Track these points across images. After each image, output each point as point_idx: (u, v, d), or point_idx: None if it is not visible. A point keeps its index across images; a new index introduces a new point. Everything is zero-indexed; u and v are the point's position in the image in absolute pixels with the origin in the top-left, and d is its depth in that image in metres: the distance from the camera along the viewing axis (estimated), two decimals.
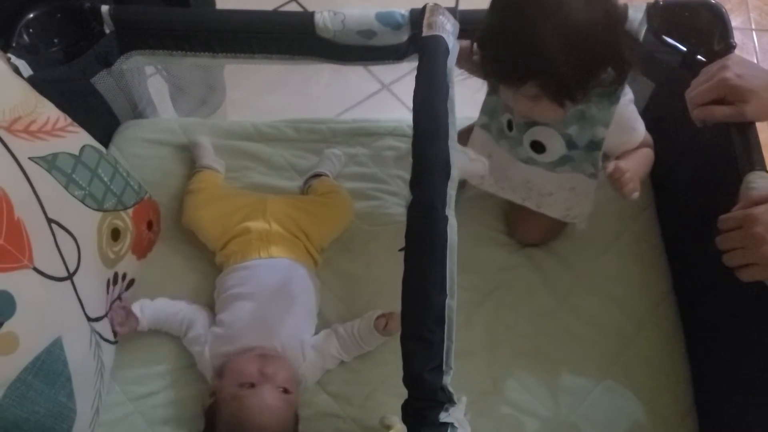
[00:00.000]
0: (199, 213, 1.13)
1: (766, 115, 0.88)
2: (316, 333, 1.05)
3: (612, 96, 0.92)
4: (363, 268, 1.14)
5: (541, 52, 0.80)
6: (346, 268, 1.14)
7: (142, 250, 1.11)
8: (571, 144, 0.97)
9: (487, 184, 1.09)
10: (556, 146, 0.98)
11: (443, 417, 0.65)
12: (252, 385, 0.92)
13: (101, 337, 0.99)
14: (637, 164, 0.97)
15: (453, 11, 0.94)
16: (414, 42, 1.05)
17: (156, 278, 1.12)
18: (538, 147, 1.00)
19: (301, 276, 1.06)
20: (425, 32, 0.85)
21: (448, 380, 0.67)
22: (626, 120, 0.96)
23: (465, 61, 0.96)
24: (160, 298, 1.07)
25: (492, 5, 0.86)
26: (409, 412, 0.66)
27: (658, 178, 1.18)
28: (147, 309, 1.05)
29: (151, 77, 1.37)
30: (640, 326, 1.07)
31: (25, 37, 1.05)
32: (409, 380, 0.66)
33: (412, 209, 0.71)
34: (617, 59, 0.86)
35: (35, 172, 0.89)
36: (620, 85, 0.91)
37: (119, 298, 1.06)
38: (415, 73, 0.82)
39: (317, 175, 1.20)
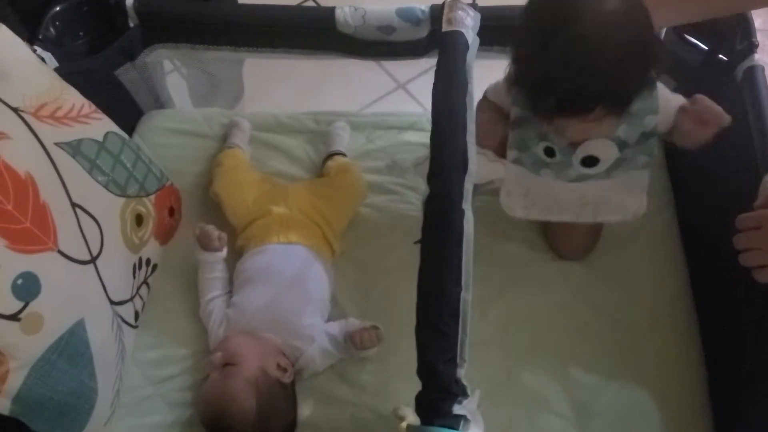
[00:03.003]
0: (229, 188, 1.15)
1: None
2: (330, 320, 1.07)
3: (650, 84, 0.89)
4: (379, 259, 1.15)
5: (607, 75, 0.78)
6: (363, 258, 1.16)
7: (164, 236, 1.13)
8: (622, 145, 0.94)
9: (533, 212, 1.05)
10: (609, 154, 0.95)
11: (457, 409, 0.65)
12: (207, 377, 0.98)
13: (123, 320, 1.01)
14: None
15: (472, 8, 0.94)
16: (434, 38, 1.05)
17: (177, 264, 1.14)
18: (590, 161, 0.96)
19: (315, 263, 1.08)
20: (445, 28, 0.85)
21: (462, 373, 0.67)
22: (664, 97, 0.93)
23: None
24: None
25: (521, 47, 0.83)
26: (422, 404, 0.67)
27: (677, 178, 1.18)
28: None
29: (170, 74, 1.38)
30: (655, 323, 1.06)
31: (52, 29, 1.08)
32: (423, 372, 0.67)
33: (429, 202, 0.71)
34: (655, 47, 0.85)
35: (60, 157, 0.91)
36: (656, 69, 0.88)
37: (146, 282, 1.09)
38: (431, 71, 0.82)
39: (332, 155, 1.22)
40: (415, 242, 0.72)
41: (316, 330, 1.03)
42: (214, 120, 1.29)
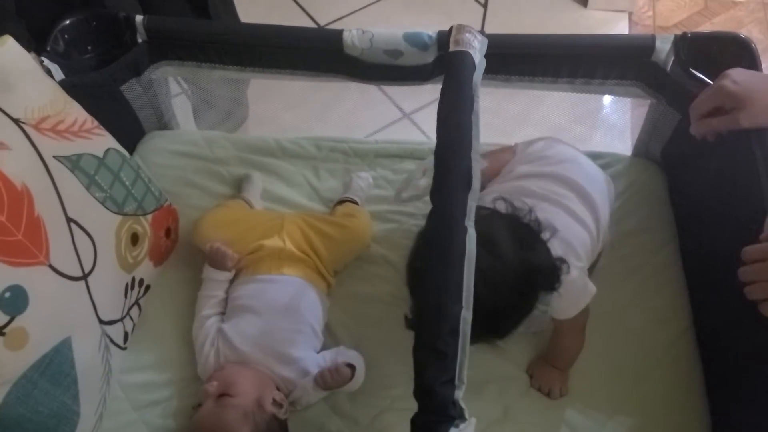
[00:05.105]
0: (215, 233, 1.10)
1: (761, 120, 0.87)
2: (322, 349, 1.04)
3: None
4: (375, 289, 1.13)
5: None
6: (358, 287, 1.13)
7: (158, 256, 1.11)
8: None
9: None
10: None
11: None
12: (199, 406, 0.95)
13: (111, 341, 0.98)
14: None
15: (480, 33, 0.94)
16: (440, 64, 1.06)
17: (170, 287, 1.12)
18: None
19: (309, 294, 1.06)
20: (452, 48, 0.86)
21: (460, 395, 0.65)
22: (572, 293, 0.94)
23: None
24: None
25: None
26: (418, 426, 0.64)
27: (681, 210, 1.16)
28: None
29: (176, 97, 1.39)
30: (656, 362, 1.03)
31: (60, 42, 1.08)
32: (420, 393, 0.64)
33: (432, 218, 0.70)
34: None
35: (59, 170, 0.90)
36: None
37: (137, 303, 1.07)
38: (436, 103, 0.81)
39: (343, 201, 1.20)
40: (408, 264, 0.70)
41: (309, 363, 1.00)
42: (215, 143, 1.29)
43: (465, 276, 0.66)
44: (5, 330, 0.76)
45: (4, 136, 0.84)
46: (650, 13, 2.21)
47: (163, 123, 1.33)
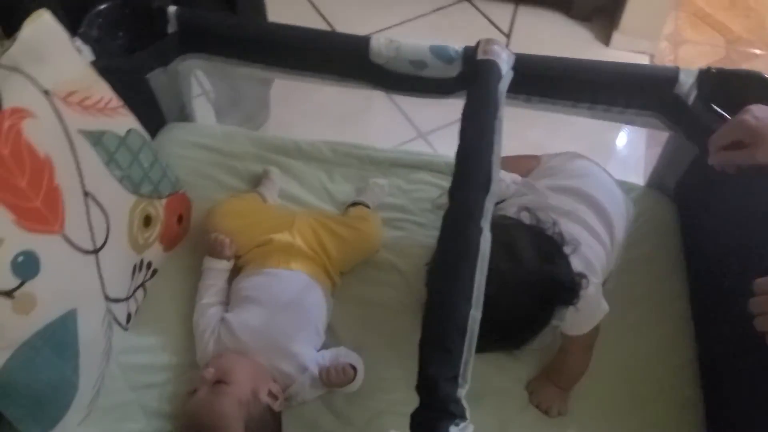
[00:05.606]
0: (226, 221, 1.12)
1: None
2: (322, 349, 1.04)
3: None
4: (380, 293, 1.13)
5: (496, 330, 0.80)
6: (364, 291, 1.14)
7: (169, 242, 1.11)
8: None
9: None
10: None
11: (453, 431, 0.62)
12: (195, 391, 0.94)
13: (115, 319, 0.98)
14: None
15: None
16: (463, 79, 1.07)
17: (177, 274, 1.12)
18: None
19: (314, 292, 1.06)
20: (480, 57, 0.87)
21: (462, 394, 0.65)
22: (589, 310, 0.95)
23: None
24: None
25: None
26: (417, 421, 0.64)
27: (691, 242, 1.16)
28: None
29: (197, 98, 1.40)
30: (657, 390, 1.03)
31: (94, 25, 1.10)
32: (422, 386, 0.64)
33: (448, 216, 0.71)
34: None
35: (81, 144, 0.91)
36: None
37: (143, 285, 1.08)
38: (453, 125, 0.83)
39: (356, 204, 1.21)
40: (426, 264, 0.71)
41: (308, 359, 1.00)
42: (234, 138, 1.30)
43: (477, 276, 0.67)
44: (15, 293, 0.77)
45: (33, 106, 0.85)
46: (672, 57, 2.24)
47: (184, 115, 1.34)
